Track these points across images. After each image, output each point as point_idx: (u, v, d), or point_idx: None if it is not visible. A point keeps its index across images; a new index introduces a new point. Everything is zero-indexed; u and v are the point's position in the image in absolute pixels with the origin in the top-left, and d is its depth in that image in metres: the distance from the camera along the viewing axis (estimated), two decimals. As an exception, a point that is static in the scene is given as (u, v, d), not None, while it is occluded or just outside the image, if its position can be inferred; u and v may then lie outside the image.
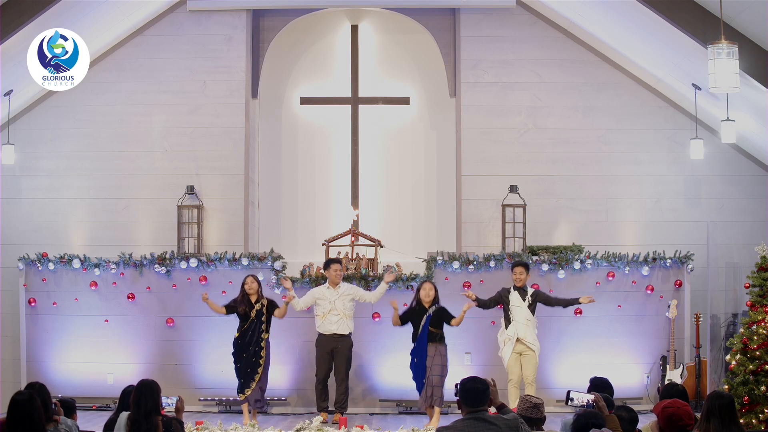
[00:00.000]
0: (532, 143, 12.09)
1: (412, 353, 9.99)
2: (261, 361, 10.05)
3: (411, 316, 10.03)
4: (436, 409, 9.92)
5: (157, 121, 12.07)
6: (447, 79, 12.40)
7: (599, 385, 6.49)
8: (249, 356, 10.03)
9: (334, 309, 10.16)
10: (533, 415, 5.83)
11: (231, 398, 10.79)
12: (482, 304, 10.24)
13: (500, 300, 10.24)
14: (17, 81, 11.03)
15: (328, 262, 10.44)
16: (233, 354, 10.11)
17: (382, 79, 12.89)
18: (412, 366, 10.02)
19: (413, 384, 10.06)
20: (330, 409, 10.30)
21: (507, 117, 12.10)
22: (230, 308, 10.22)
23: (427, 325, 9.85)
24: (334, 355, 10.20)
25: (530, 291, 10.25)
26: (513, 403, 9.43)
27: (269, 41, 12.42)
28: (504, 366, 10.18)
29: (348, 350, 10.24)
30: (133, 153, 12.06)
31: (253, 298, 10.13)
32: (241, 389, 10.07)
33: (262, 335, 10.08)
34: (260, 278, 11.00)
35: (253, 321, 10.07)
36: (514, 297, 10.16)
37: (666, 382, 10.76)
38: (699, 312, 11.22)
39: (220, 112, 12.06)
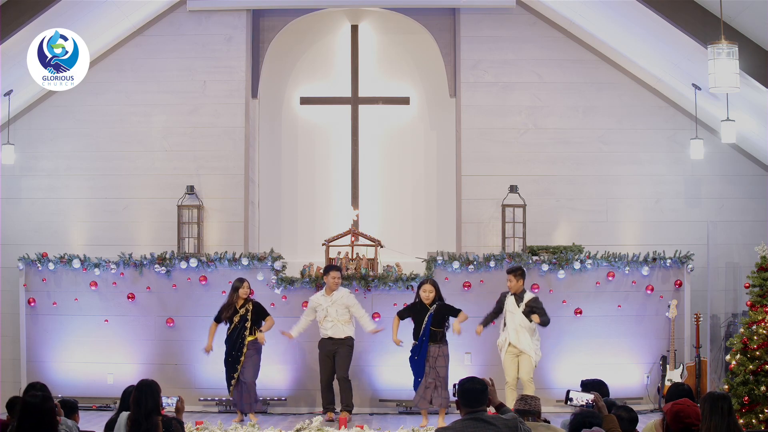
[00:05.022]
0: (532, 143, 12.09)
1: (413, 350, 10.00)
2: (238, 366, 10.18)
3: (412, 313, 10.06)
4: (442, 411, 9.96)
5: (157, 121, 12.07)
6: (447, 79, 12.40)
7: (592, 387, 6.45)
8: (231, 360, 10.21)
9: (328, 315, 10.29)
10: (520, 407, 5.86)
11: (231, 398, 10.78)
12: (487, 322, 10.21)
13: (500, 306, 10.20)
14: (17, 81, 11.03)
15: (327, 269, 10.52)
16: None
17: (382, 79, 12.88)
18: (411, 362, 10.03)
19: (413, 384, 10.07)
20: (337, 410, 10.38)
21: (507, 117, 12.10)
22: (219, 319, 10.41)
23: (429, 324, 9.88)
24: (335, 358, 10.29)
25: (528, 298, 10.09)
26: (509, 405, 9.42)
27: (269, 41, 12.42)
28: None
29: (347, 351, 10.34)
30: (133, 153, 12.06)
31: (239, 303, 10.22)
32: (228, 389, 10.37)
33: (245, 339, 10.18)
34: (260, 278, 11.06)
35: (237, 326, 10.19)
36: (510, 302, 10.09)
37: (666, 382, 10.76)
38: (699, 312, 11.21)
39: (220, 112, 12.06)
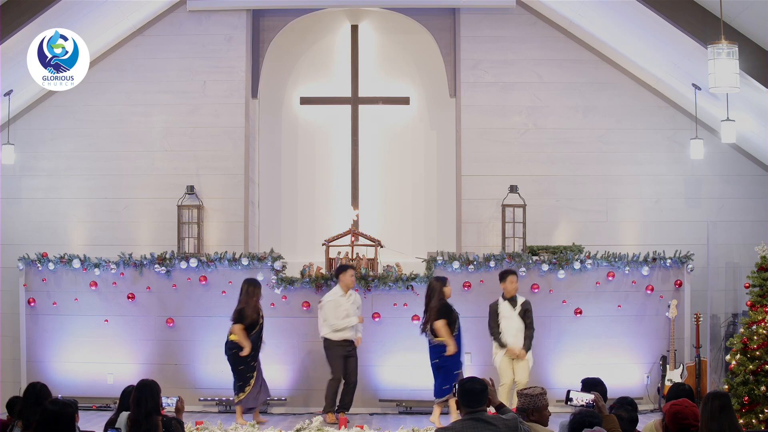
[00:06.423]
0: (532, 143, 12.09)
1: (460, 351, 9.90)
2: (255, 364, 10.18)
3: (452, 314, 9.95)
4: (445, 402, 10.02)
5: (157, 121, 12.07)
6: (447, 79, 12.40)
7: (591, 385, 6.45)
8: (250, 359, 10.11)
9: (350, 315, 10.18)
10: (522, 405, 5.89)
11: (231, 398, 10.77)
12: (495, 335, 10.10)
13: (495, 318, 10.11)
14: (17, 81, 11.03)
15: (344, 268, 10.34)
16: (236, 357, 10.11)
17: (382, 79, 12.89)
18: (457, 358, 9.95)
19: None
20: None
21: (507, 117, 12.10)
22: (244, 320, 10.16)
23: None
24: (347, 360, 10.23)
25: (520, 300, 10.10)
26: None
27: (269, 41, 12.42)
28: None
29: (356, 354, 10.34)
30: (133, 153, 12.06)
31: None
32: (241, 389, 10.14)
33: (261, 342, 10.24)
34: (260, 278, 11.05)
35: (261, 327, 10.17)
36: (504, 307, 10.08)
37: (666, 382, 10.76)
38: (699, 312, 11.22)
39: (220, 112, 12.06)
